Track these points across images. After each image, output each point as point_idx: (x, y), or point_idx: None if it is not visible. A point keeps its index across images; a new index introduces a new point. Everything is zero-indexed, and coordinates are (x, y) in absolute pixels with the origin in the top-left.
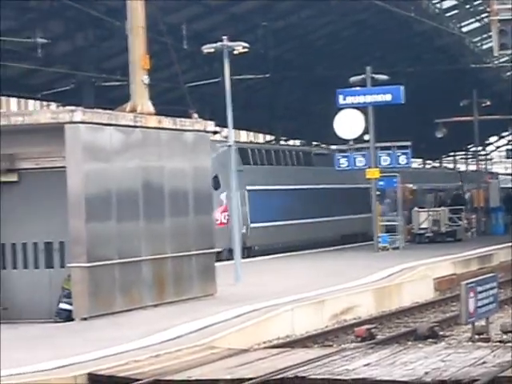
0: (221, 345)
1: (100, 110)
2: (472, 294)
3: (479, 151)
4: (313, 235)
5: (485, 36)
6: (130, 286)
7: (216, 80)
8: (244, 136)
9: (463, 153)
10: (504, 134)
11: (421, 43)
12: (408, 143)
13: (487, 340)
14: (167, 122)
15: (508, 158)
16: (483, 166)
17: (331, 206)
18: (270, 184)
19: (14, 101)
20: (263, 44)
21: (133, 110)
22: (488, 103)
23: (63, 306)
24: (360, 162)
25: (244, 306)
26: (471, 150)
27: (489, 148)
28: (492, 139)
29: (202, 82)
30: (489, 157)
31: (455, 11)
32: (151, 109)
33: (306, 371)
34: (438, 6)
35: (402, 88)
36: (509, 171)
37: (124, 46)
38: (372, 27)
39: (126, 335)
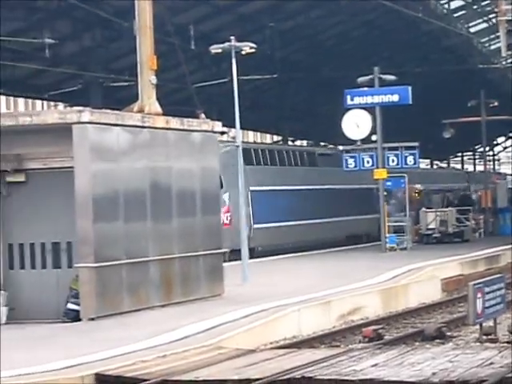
0: (228, 345)
1: (108, 111)
2: (479, 295)
3: (487, 152)
4: (316, 236)
5: (492, 36)
6: (138, 287)
7: (223, 80)
8: (251, 136)
9: (471, 153)
10: None
11: (428, 43)
12: (416, 144)
13: (495, 341)
14: (175, 122)
15: None
16: (491, 167)
17: (335, 206)
18: (273, 185)
19: (21, 101)
20: (271, 44)
21: (140, 111)
22: (496, 104)
23: (71, 306)
24: (367, 162)
25: (251, 306)
26: (479, 150)
27: (496, 148)
28: (500, 140)
29: (209, 83)
30: (496, 157)
31: (463, 12)
32: (159, 109)
33: (313, 372)
34: (446, 6)
35: (409, 88)
36: None
37: (131, 46)
38: (380, 27)
39: (134, 335)
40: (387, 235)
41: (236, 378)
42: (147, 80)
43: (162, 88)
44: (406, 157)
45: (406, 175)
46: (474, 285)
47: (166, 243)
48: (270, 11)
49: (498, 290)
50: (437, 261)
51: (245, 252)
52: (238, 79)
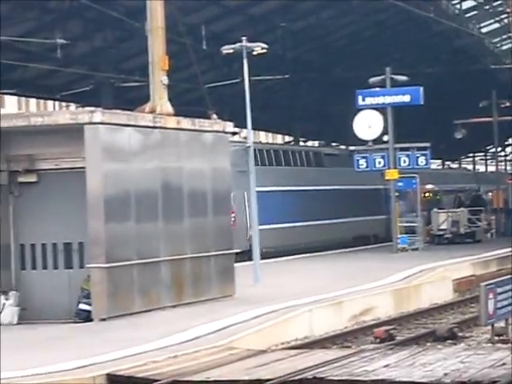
0: (239, 346)
1: (119, 111)
2: (491, 296)
3: (498, 152)
4: (321, 237)
5: (504, 37)
6: (149, 287)
7: (235, 81)
8: (263, 137)
9: (482, 154)
10: None
11: (440, 44)
12: (427, 144)
13: (507, 341)
14: (186, 122)
15: None
16: (503, 167)
17: (342, 207)
18: (277, 185)
19: (33, 101)
20: (282, 45)
21: (152, 111)
22: (507, 104)
23: (82, 306)
24: (379, 163)
25: (263, 306)
26: (490, 151)
27: (508, 149)
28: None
29: (221, 83)
30: (508, 158)
31: (475, 12)
32: (170, 109)
33: (325, 372)
34: (458, 6)
35: (421, 89)
36: None
37: (143, 46)
38: (391, 28)
39: (145, 336)
40: (399, 236)
41: (247, 378)
42: (159, 80)
43: (174, 88)
44: (417, 157)
45: (417, 176)
46: (486, 285)
47: (177, 243)
48: (281, 11)
49: (510, 290)
50: (448, 261)
51: (256, 253)
52: (249, 80)
